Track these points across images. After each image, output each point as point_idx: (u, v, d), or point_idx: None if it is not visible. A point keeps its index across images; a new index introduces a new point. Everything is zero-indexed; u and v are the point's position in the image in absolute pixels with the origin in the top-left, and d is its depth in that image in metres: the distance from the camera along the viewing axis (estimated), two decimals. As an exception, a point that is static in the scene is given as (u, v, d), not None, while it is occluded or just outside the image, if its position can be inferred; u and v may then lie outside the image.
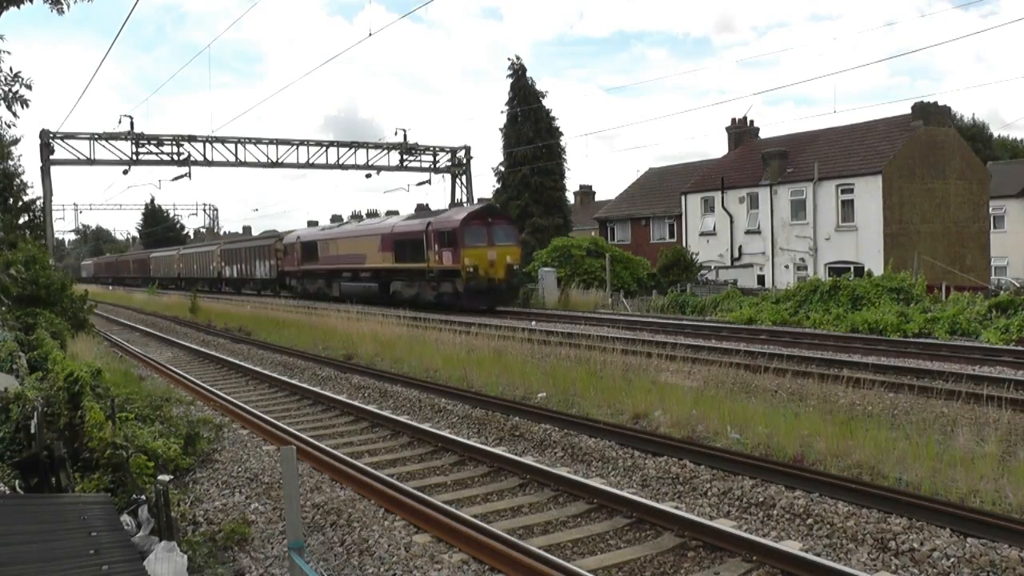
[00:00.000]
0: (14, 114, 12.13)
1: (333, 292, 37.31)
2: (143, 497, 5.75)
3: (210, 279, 55.88)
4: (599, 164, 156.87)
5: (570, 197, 48.11)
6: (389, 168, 45.04)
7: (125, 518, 5.35)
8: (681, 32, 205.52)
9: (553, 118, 45.15)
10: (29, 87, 11.73)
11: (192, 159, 40.37)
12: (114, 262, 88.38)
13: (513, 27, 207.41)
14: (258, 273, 48.14)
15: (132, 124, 38.77)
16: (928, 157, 33.73)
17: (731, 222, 38.29)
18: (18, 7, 9.22)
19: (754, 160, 38.14)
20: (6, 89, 11.67)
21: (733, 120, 42.38)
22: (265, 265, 47.11)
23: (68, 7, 9.42)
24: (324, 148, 43.23)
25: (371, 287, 33.36)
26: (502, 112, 45.59)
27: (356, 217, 44.26)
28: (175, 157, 40.02)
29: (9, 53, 11.50)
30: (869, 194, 32.66)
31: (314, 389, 13.56)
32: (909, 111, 34.24)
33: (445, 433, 9.90)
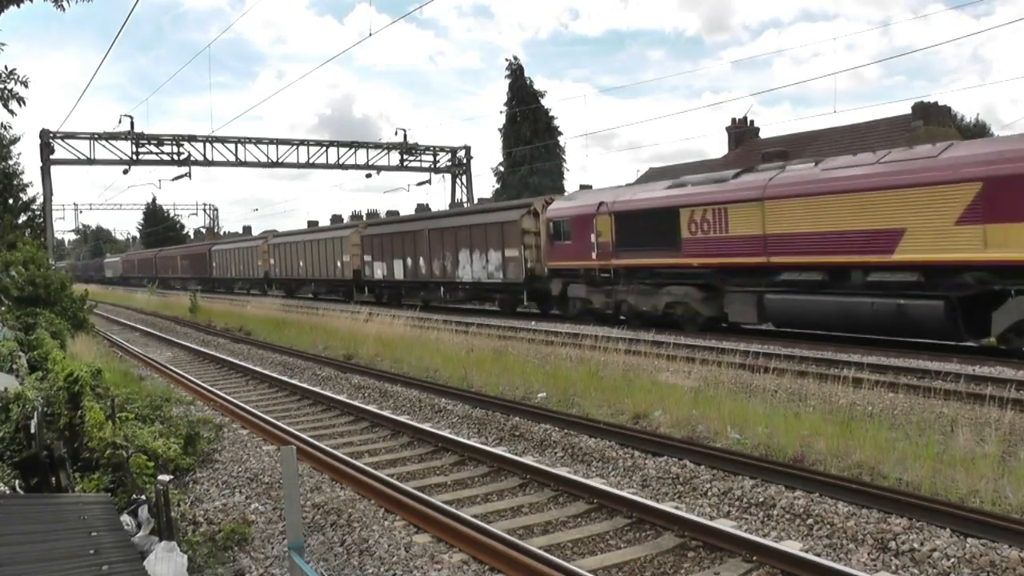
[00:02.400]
0: (11, 112, 12.13)
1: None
2: (143, 497, 5.75)
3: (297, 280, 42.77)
4: (598, 164, 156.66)
5: (570, 197, 48.11)
6: (389, 168, 45.14)
7: (125, 518, 5.35)
8: (673, 31, 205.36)
9: (552, 118, 45.24)
10: (25, 84, 11.72)
11: (192, 159, 40.41)
12: (152, 259, 72.42)
13: (506, 27, 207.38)
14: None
15: (132, 124, 38.85)
16: (929, 157, 33.59)
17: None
18: (18, 6, 9.21)
19: (754, 159, 38.03)
20: (1, 87, 11.65)
21: (733, 120, 42.37)
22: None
23: (69, 4, 9.41)
24: (324, 148, 43.29)
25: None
26: (501, 112, 45.68)
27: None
28: (175, 157, 40.06)
29: (4, 46, 11.41)
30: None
31: (314, 389, 13.55)
32: (909, 111, 34.22)
33: (445, 433, 9.90)
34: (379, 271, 33.75)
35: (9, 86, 11.61)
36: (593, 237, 20.96)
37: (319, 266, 38.55)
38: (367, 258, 34.61)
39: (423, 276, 30.20)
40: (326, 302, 35.78)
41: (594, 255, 20.92)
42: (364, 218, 44.24)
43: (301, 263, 40.84)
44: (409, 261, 31.28)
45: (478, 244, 26.55)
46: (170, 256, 68.24)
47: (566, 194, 24.49)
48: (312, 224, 51.40)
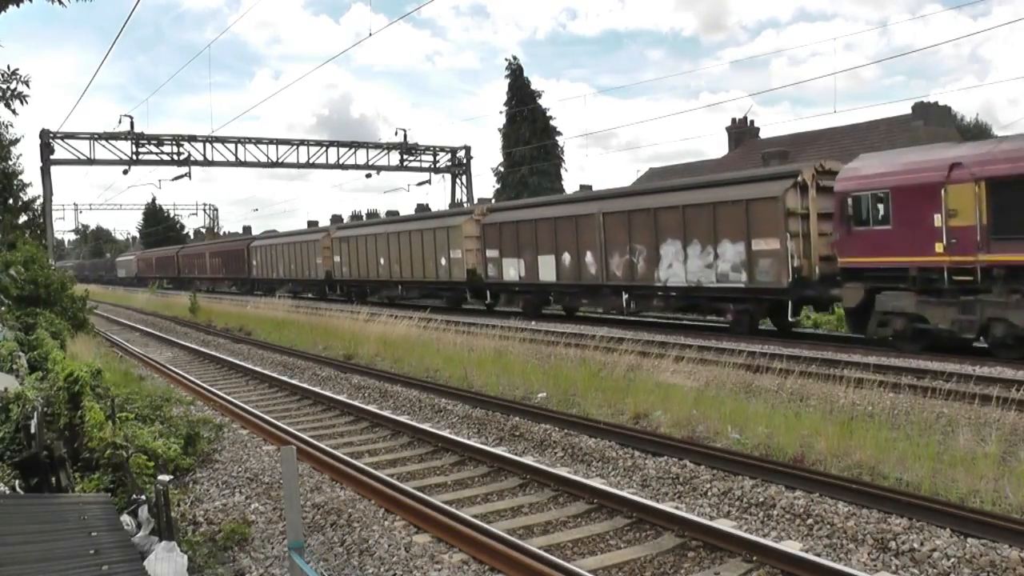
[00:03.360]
0: (13, 111, 12.13)
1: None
2: (143, 497, 5.75)
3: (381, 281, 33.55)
4: (596, 164, 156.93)
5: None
6: (389, 168, 45.17)
7: (125, 518, 5.35)
8: (670, 31, 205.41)
9: (550, 118, 45.27)
10: (27, 83, 11.73)
11: (192, 159, 40.43)
12: (173, 257, 63.32)
13: (504, 27, 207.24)
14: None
15: (132, 124, 38.87)
16: (930, 157, 33.53)
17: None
18: (17, 5, 9.20)
19: (755, 160, 38.06)
20: (4, 87, 11.66)
21: (733, 120, 42.41)
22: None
23: (68, 1, 9.40)
24: (324, 148, 43.30)
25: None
26: (501, 112, 45.72)
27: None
28: (175, 157, 40.08)
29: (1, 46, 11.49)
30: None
31: (314, 389, 13.56)
32: (909, 111, 34.24)
33: (445, 433, 9.90)
34: (511, 270, 25.36)
35: (11, 85, 11.62)
36: (938, 218, 14.19)
37: (413, 264, 29.94)
38: (491, 253, 26.20)
39: (591, 278, 22.12)
40: (416, 310, 25.82)
41: (940, 246, 14.18)
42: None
43: (382, 260, 32.45)
44: (566, 257, 23.02)
45: (698, 232, 18.88)
46: (196, 253, 59.27)
47: (863, 156, 16.57)
48: (312, 223, 50.18)
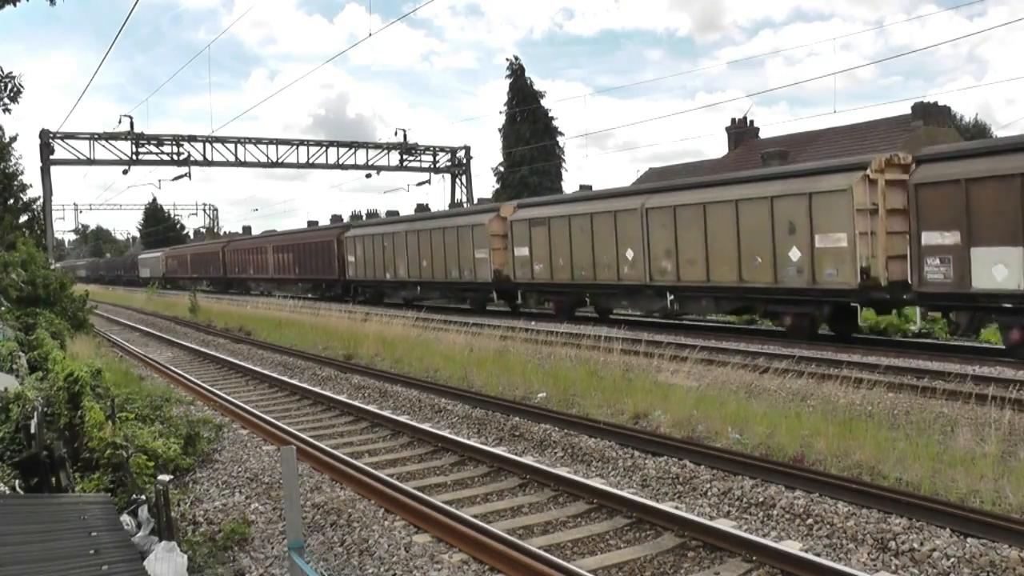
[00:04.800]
0: (7, 111, 12.18)
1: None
2: (143, 497, 5.76)
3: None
4: (594, 165, 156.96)
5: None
6: (389, 168, 45.18)
7: (125, 518, 5.36)
8: (665, 32, 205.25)
9: (551, 118, 45.29)
10: (20, 87, 11.80)
11: (192, 159, 40.44)
12: (217, 253, 52.95)
13: (502, 26, 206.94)
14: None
15: (132, 124, 38.88)
16: (930, 157, 33.49)
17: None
18: (14, 5, 9.23)
19: (754, 160, 37.99)
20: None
21: (733, 120, 42.39)
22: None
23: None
24: (324, 148, 43.30)
25: None
26: (501, 112, 45.76)
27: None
28: (175, 157, 40.08)
29: None
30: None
31: (314, 389, 13.56)
32: (909, 111, 34.23)
33: (445, 433, 9.90)
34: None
35: (10, 87, 11.68)
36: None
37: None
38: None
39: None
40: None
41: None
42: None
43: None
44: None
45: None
46: (252, 248, 47.93)
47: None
48: (312, 222, 48.76)
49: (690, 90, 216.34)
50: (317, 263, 39.05)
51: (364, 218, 44.02)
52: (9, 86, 11.71)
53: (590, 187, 32.39)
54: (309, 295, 40.56)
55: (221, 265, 52.47)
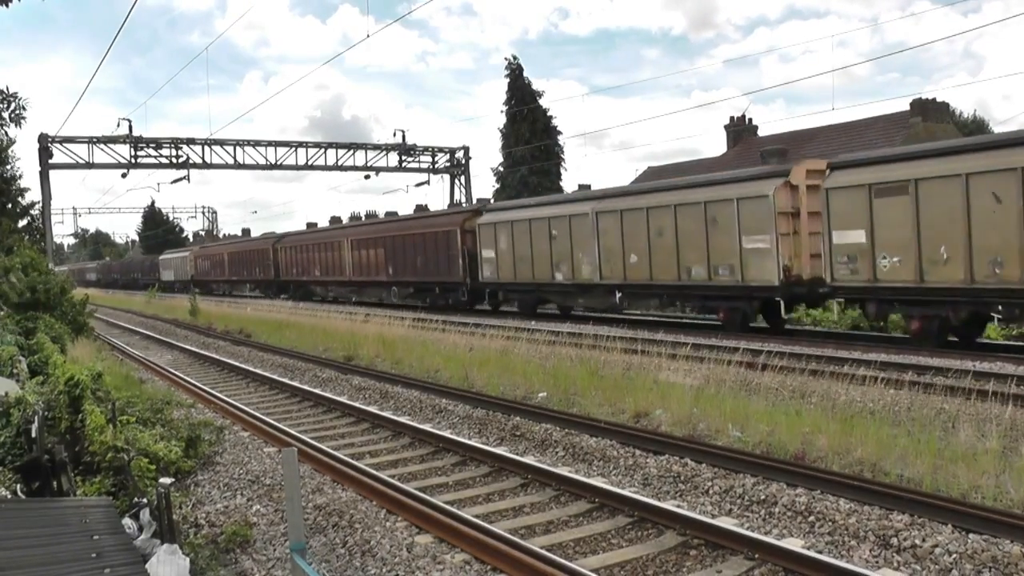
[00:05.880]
0: (17, 127, 12.23)
1: None
2: (145, 500, 5.76)
3: None
4: (591, 164, 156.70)
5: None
6: (388, 169, 45.20)
7: (127, 521, 5.36)
8: (659, 30, 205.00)
9: (551, 118, 45.29)
10: (24, 107, 11.86)
11: (191, 162, 40.45)
12: (267, 251, 43.98)
13: (499, 26, 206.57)
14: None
15: (131, 127, 38.87)
16: (928, 153, 33.48)
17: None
18: (6, 6, 9.25)
19: (753, 157, 37.99)
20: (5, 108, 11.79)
21: (732, 118, 42.42)
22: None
23: None
24: (322, 150, 43.31)
25: None
26: (501, 112, 45.77)
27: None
28: (173, 160, 40.09)
29: None
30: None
31: (315, 391, 13.56)
32: (907, 108, 34.22)
33: (446, 434, 9.90)
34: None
35: (13, 107, 11.73)
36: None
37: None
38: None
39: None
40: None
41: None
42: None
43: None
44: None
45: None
46: (318, 243, 38.47)
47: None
48: (311, 224, 47.93)
49: (686, 89, 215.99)
50: (427, 261, 29.16)
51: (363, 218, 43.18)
52: (12, 105, 11.78)
53: (588, 186, 32.42)
54: (419, 303, 30.73)
55: (271, 266, 43.82)
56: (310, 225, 48.08)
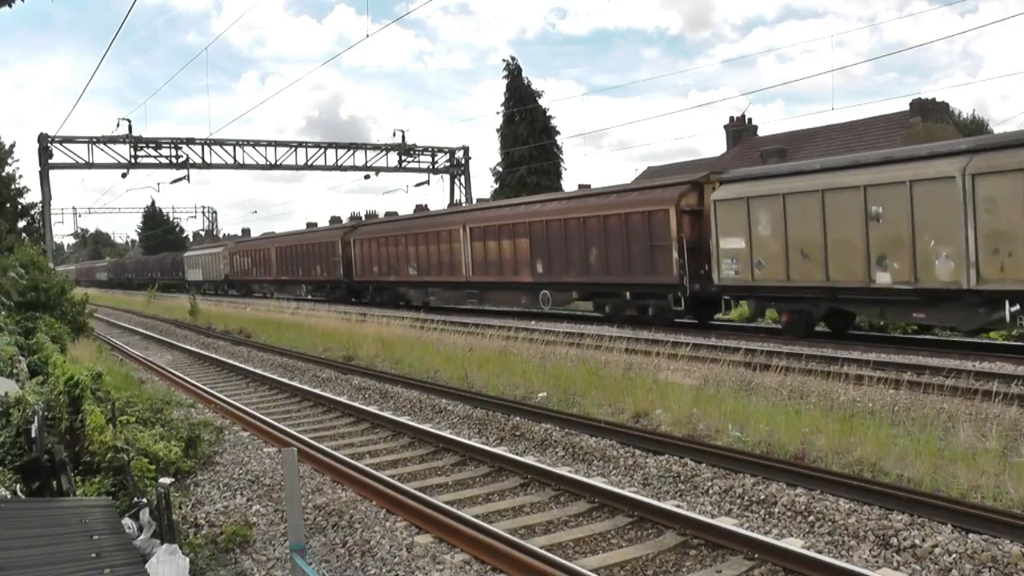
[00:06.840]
0: None
1: None
2: (144, 500, 5.76)
3: None
4: (590, 164, 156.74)
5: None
6: (388, 169, 45.18)
7: (127, 521, 5.36)
8: (655, 30, 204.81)
9: (549, 118, 45.29)
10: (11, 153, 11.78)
11: (190, 162, 40.44)
12: (336, 244, 36.00)
13: (496, 26, 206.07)
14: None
15: (130, 127, 38.86)
16: (928, 153, 33.47)
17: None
18: (9, 6, 9.24)
19: (753, 157, 37.99)
20: None
21: (731, 118, 42.41)
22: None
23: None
24: (322, 150, 43.30)
25: None
26: (498, 113, 45.76)
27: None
28: (173, 160, 40.09)
29: None
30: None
31: (315, 391, 13.56)
32: (907, 108, 34.22)
33: (446, 434, 9.90)
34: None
35: None
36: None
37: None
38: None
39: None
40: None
41: None
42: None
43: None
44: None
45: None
46: (413, 231, 30.50)
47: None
48: (311, 224, 46.86)
49: (683, 88, 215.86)
50: (608, 254, 21.38)
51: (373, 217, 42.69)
52: None
53: (588, 186, 32.34)
54: (598, 315, 23.20)
55: (339, 263, 35.73)
56: (310, 225, 47.87)
